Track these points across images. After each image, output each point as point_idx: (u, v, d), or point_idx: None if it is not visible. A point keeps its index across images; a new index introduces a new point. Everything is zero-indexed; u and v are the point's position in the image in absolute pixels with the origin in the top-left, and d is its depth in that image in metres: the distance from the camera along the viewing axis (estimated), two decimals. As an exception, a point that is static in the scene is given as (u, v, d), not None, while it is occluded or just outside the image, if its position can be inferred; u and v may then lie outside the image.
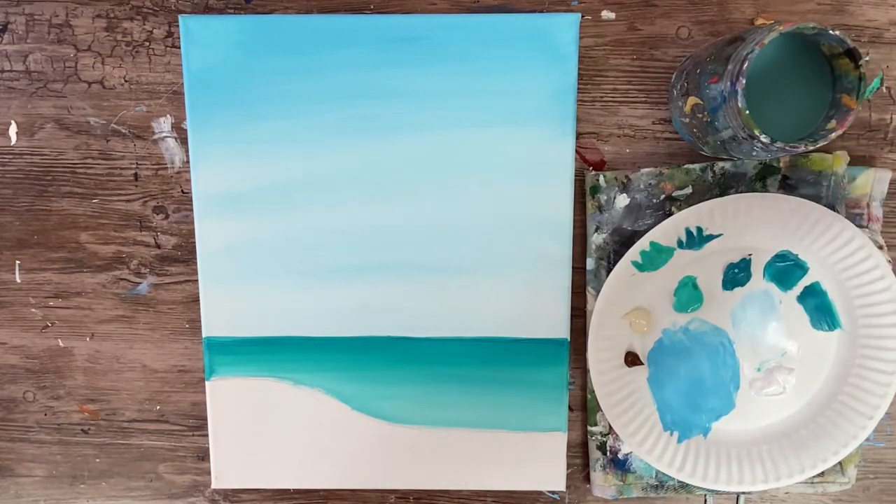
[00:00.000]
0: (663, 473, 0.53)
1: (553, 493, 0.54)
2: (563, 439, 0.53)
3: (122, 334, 0.54)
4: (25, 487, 0.56)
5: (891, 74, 0.50)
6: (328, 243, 0.51)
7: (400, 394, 0.52)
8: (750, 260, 0.50)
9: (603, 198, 0.50)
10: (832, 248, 0.48)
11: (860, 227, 0.49)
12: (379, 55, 0.49)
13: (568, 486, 0.54)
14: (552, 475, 0.53)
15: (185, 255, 0.53)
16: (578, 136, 0.51)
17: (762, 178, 0.49)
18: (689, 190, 0.50)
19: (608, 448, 0.53)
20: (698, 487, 0.53)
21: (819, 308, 0.50)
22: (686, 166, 0.49)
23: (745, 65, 0.38)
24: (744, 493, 0.53)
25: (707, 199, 0.47)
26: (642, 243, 0.48)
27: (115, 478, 0.56)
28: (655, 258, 0.49)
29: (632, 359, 0.51)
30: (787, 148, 0.40)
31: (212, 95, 0.50)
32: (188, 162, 0.51)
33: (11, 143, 0.52)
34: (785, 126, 0.42)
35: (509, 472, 0.53)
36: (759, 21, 0.49)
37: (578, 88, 0.50)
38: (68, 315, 0.54)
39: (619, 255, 0.50)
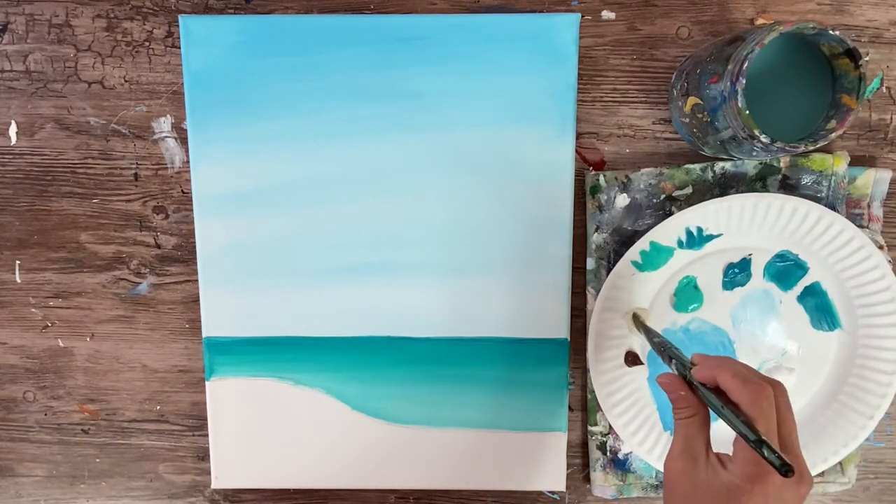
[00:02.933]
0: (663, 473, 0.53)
1: (553, 493, 0.54)
2: (563, 439, 0.53)
3: (122, 334, 0.54)
4: (25, 487, 0.56)
5: (891, 74, 0.50)
6: (328, 243, 0.51)
7: (400, 394, 0.52)
8: (750, 260, 0.50)
9: (603, 198, 0.50)
10: (832, 248, 0.48)
11: (860, 227, 0.49)
12: (379, 55, 0.49)
13: (568, 486, 0.54)
14: (552, 475, 0.53)
15: (185, 255, 0.53)
16: (578, 136, 0.51)
17: (762, 178, 0.49)
18: (689, 190, 0.50)
19: (608, 448, 0.53)
20: (698, 487, 0.52)
21: (819, 308, 0.50)
22: (686, 166, 0.49)
23: (745, 65, 0.38)
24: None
25: (707, 199, 0.47)
26: (642, 243, 0.48)
27: (115, 478, 0.56)
28: (655, 258, 0.49)
29: (632, 359, 0.51)
30: (787, 148, 0.40)
31: (212, 95, 0.50)
32: (188, 162, 0.51)
33: (11, 143, 0.52)
34: (785, 126, 0.42)
35: (509, 472, 0.53)
36: (759, 21, 0.49)
37: (578, 88, 0.50)
38: (68, 315, 0.54)
39: (619, 255, 0.50)
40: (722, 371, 0.36)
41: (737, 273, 0.50)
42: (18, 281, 0.54)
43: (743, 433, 0.33)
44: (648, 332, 0.46)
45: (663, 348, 0.43)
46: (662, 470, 0.50)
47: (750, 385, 0.35)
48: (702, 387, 0.37)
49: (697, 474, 0.36)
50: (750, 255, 0.50)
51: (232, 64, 0.49)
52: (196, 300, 0.52)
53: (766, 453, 0.32)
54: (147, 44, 0.51)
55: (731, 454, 0.36)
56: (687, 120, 0.46)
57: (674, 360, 0.40)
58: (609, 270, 0.50)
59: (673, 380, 0.39)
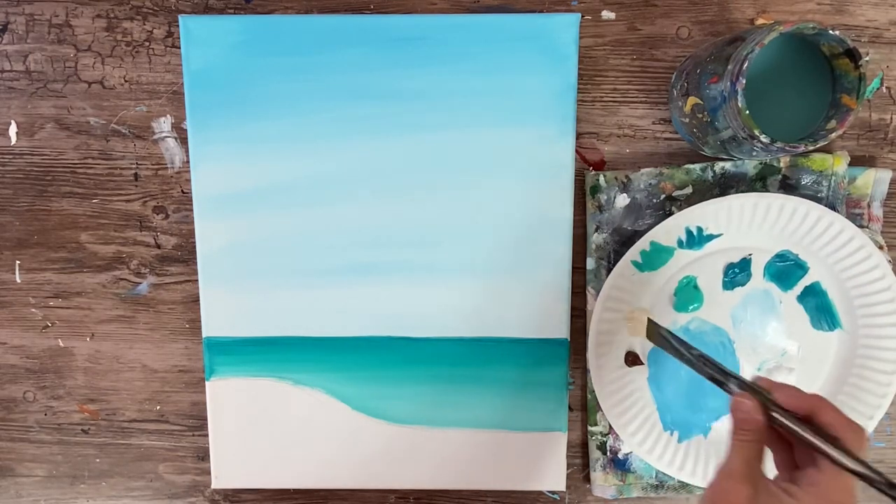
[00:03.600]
0: (663, 473, 0.53)
1: (553, 493, 0.54)
2: (563, 439, 0.53)
3: (122, 334, 0.54)
4: (26, 487, 0.56)
5: (891, 74, 0.50)
6: (328, 243, 0.51)
7: (400, 394, 0.52)
8: (750, 260, 0.50)
9: (603, 198, 0.50)
10: (832, 248, 0.48)
11: (860, 227, 0.49)
12: (379, 55, 0.49)
13: (568, 486, 0.54)
14: (552, 475, 0.53)
15: (185, 255, 0.53)
16: (578, 136, 0.51)
17: (762, 178, 0.49)
18: (689, 190, 0.50)
19: (608, 448, 0.53)
20: (698, 487, 0.52)
21: (819, 308, 0.50)
22: (686, 166, 0.49)
23: (745, 65, 0.38)
24: (744, 493, 0.53)
25: (707, 199, 0.47)
26: (642, 243, 0.48)
27: (115, 478, 0.56)
28: (655, 258, 0.49)
29: (632, 359, 0.51)
30: (787, 148, 0.40)
31: (212, 95, 0.50)
32: (188, 162, 0.51)
33: (11, 143, 0.52)
34: (785, 126, 0.42)
35: (509, 472, 0.53)
36: (759, 21, 0.49)
37: (578, 88, 0.50)
38: (68, 315, 0.54)
39: (619, 255, 0.50)
40: (824, 404, 0.36)
41: (737, 273, 0.50)
42: (18, 281, 0.54)
43: (864, 474, 0.33)
44: (682, 345, 0.43)
45: (708, 363, 0.40)
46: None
47: (854, 425, 0.35)
48: (788, 415, 0.36)
49: (760, 501, 0.35)
50: (750, 255, 0.50)
51: (232, 64, 0.49)
52: (196, 300, 0.52)
53: None
54: (147, 44, 0.51)
55: (786, 482, 0.36)
56: (687, 120, 0.46)
57: (731, 379, 0.39)
58: (609, 270, 0.50)
59: (750, 405, 0.37)
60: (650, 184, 0.50)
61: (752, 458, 0.36)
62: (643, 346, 0.51)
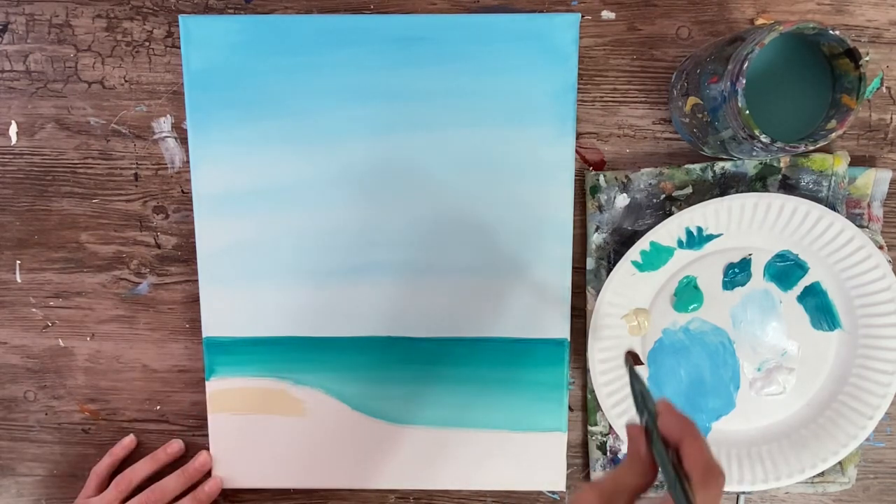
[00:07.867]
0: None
1: (553, 493, 0.54)
2: (563, 439, 0.53)
3: (122, 334, 0.54)
4: (26, 486, 0.56)
5: (891, 74, 0.50)
6: (328, 243, 0.51)
7: (400, 394, 0.52)
8: (750, 260, 0.50)
9: (603, 198, 0.50)
10: (832, 248, 0.48)
11: (860, 227, 0.49)
12: (379, 55, 0.49)
13: (568, 486, 0.54)
14: (552, 475, 0.53)
15: (185, 255, 0.53)
16: (578, 136, 0.51)
17: (762, 178, 0.49)
18: (689, 190, 0.50)
19: (608, 448, 0.53)
20: (698, 487, 0.52)
21: (819, 308, 0.50)
22: (686, 166, 0.49)
23: (745, 65, 0.38)
24: (744, 493, 0.53)
25: (707, 199, 0.47)
26: (642, 243, 0.48)
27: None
28: (655, 258, 0.49)
29: (632, 359, 0.51)
30: (787, 148, 0.40)
31: (212, 95, 0.50)
32: (188, 162, 0.51)
33: (11, 143, 0.52)
34: (785, 126, 0.42)
35: (509, 472, 0.53)
36: (759, 21, 0.49)
37: (578, 88, 0.50)
38: (69, 315, 0.54)
39: (619, 255, 0.50)
40: (689, 437, 0.34)
41: (737, 273, 0.50)
42: (19, 281, 0.54)
43: None
44: (632, 377, 0.42)
45: (642, 398, 0.39)
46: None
47: (709, 466, 0.33)
48: (661, 443, 0.35)
49: None
50: (750, 255, 0.50)
51: (232, 64, 0.49)
52: (196, 300, 0.52)
53: None
54: (147, 44, 0.51)
55: None
56: (687, 120, 0.46)
57: (645, 414, 0.38)
58: (609, 270, 0.50)
59: (641, 436, 0.36)
60: (650, 184, 0.50)
61: (621, 480, 0.35)
62: (643, 346, 0.51)
